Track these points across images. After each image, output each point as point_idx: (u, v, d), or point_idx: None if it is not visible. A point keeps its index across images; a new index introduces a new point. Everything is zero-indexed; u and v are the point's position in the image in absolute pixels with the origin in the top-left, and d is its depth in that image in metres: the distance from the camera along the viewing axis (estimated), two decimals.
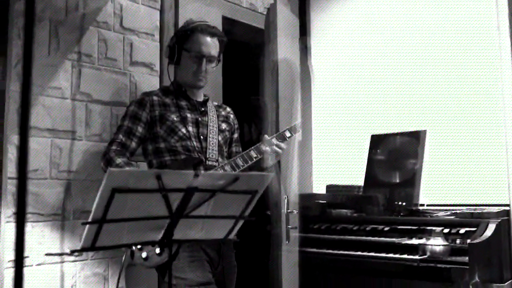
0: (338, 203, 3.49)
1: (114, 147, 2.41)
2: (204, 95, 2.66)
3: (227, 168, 2.44)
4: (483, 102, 3.14)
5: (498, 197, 2.91)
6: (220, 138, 2.58)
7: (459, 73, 3.29)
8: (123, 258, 2.32)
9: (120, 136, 2.44)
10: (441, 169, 3.26)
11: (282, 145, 2.58)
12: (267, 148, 2.52)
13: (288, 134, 2.64)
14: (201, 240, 2.07)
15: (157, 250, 2.22)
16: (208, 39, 2.53)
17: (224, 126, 2.65)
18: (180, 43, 2.53)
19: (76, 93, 2.75)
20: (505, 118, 2.84)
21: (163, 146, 2.46)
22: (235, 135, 2.75)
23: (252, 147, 2.52)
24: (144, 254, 2.24)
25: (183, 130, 2.47)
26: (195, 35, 2.52)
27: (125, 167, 2.32)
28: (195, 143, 2.48)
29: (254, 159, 2.49)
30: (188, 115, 2.53)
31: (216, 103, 2.75)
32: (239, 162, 2.46)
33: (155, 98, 2.52)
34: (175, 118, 2.48)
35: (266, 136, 2.57)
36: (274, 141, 2.56)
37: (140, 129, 2.46)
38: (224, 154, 2.60)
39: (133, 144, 2.45)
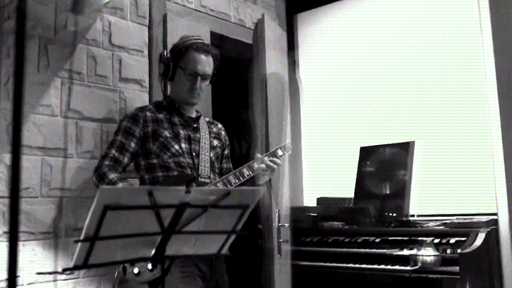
0: (329, 216, 3.50)
1: (106, 162, 2.41)
2: (197, 111, 2.68)
3: (220, 185, 2.46)
4: (471, 114, 3.19)
5: (487, 206, 2.94)
6: (212, 155, 2.59)
7: (446, 85, 3.34)
8: (115, 274, 2.31)
9: (113, 151, 2.44)
10: (430, 179, 3.29)
11: (278, 160, 2.60)
12: (260, 166, 2.53)
13: (280, 152, 2.66)
14: (194, 255, 2.08)
15: (149, 266, 2.21)
16: (203, 57, 2.54)
17: (215, 142, 2.66)
18: (175, 60, 2.55)
19: (66, 111, 2.75)
20: (491, 129, 2.88)
21: (155, 162, 2.47)
22: (226, 152, 2.76)
23: (245, 165, 2.53)
24: (136, 270, 2.23)
25: (176, 146, 2.48)
26: (190, 53, 2.53)
27: (118, 182, 2.32)
28: (187, 159, 2.49)
29: (246, 176, 2.51)
30: (181, 131, 2.54)
31: (207, 119, 2.76)
32: (232, 179, 2.48)
33: (148, 113, 2.53)
34: (168, 135, 2.49)
35: (258, 154, 2.59)
36: (267, 159, 2.58)
37: (132, 144, 2.47)
38: (216, 171, 2.61)
39: (126, 160, 2.45)
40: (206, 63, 2.55)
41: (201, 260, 2.40)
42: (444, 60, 3.37)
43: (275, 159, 2.60)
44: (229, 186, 2.46)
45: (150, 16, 3.20)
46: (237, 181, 2.48)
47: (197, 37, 2.60)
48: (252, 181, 2.56)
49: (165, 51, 3.11)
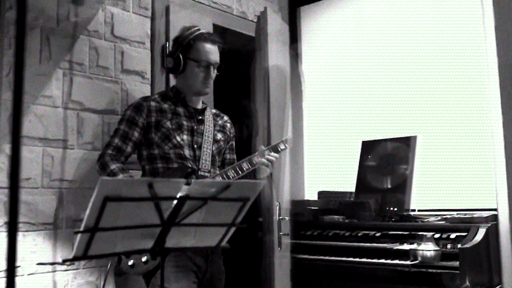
0: (330, 209, 3.51)
1: (109, 151, 2.42)
2: (203, 103, 2.67)
3: (218, 179, 2.45)
4: (472, 109, 3.18)
5: (487, 202, 2.94)
6: (214, 148, 2.58)
7: (448, 81, 3.33)
8: (109, 265, 2.33)
9: (116, 140, 2.45)
10: (431, 174, 3.28)
11: (276, 155, 2.58)
12: (260, 160, 2.52)
13: (282, 146, 2.64)
14: (194, 247, 2.08)
15: (143, 258, 2.23)
16: (212, 46, 2.55)
17: (219, 136, 2.65)
18: (184, 52, 2.54)
19: (68, 102, 2.75)
20: (493, 125, 2.88)
21: (156, 153, 2.46)
22: (230, 143, 2.75)
23: (245, 159, 2.52)
24: (130, 262, 2.25)
25: (178, 138, 2.48)
26: (199, 44, 2.53)
27: (119, 173, 2.33)
28: (188, 151, 2.48)
29: (246, 170, 2.49)
30: (184, 122, 2.53)
31: (214, 111, 2.75)
32: (230, 173, 2.47)
33: (152, 103, 2.52)
34: (170, 126, 2.48)
35: (262, 146, 2.58)
36: (267, 153, 2.56)
37: (136, 134, 2.47)
38: (217, 164, 2.60)
39: (128, 149, 2.46)
40: (215, 52, 2.57)
41: (196, 254, 2.39)
42: (446, 55, 3.35)
43: (270, 155, 2.57)
44: (227, 180, 2.45)
45: (153, 8, 3.20)
46: (235, 175, 2.47)
47: (198, 27, 2.60)
48: (253, 174, 2.55)
49: (167, 43, 3.12)
